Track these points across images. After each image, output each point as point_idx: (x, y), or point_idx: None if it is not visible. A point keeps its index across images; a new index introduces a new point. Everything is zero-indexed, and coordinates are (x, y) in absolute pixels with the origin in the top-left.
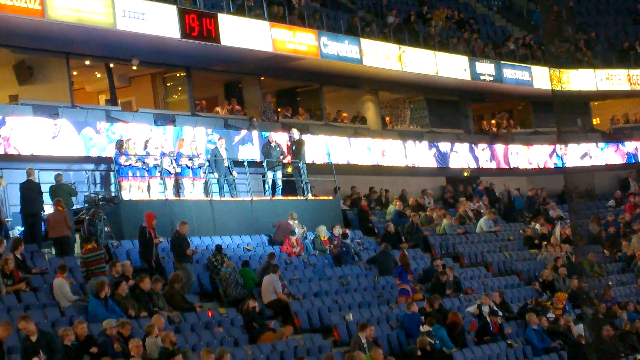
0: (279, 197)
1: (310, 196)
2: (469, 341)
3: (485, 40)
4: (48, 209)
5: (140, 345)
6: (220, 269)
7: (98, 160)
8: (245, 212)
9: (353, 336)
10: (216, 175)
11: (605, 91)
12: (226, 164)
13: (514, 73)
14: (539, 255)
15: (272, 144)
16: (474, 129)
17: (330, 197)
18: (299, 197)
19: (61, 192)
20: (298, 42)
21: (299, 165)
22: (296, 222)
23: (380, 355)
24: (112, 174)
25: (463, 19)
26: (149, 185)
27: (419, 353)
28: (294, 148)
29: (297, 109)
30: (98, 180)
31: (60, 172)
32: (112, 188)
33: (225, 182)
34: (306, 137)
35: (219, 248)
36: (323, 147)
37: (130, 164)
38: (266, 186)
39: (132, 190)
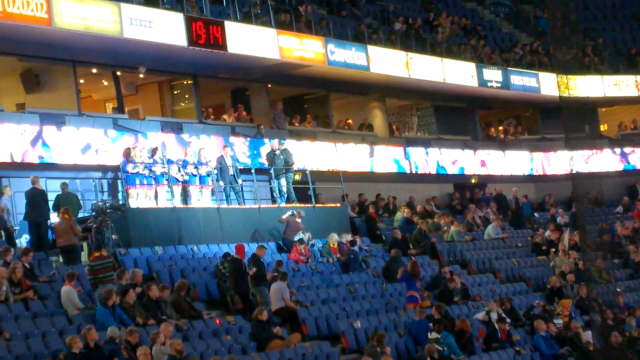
0: (286, 204)
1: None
2: (477, 348)
3: (493, 46)
4: (53, 217)
5: (148, 353)
6: (227, 277)
7: (105, 168)
8: (252, 219)
9: (361, 343)
10: (221, 183)
11: (613, 97)
12: (231, 172)
13: (521, 79)
14: (551, 262)
15: (276, 152)
16: (482, 135)
17: (338, 205)
18: (306, 205)
19: (70, 201)
20: (305, 49)
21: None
22: (301, 220)
23: None
24: (119, 182)
25: (470, 26)
26: (156, 193)
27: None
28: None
29: (305, 116)
30: (105, 188)
31: (65, 181)
32: (120, 196)
33: (232, 190)
34: (314, 144)
35: (226, 255)
36: (330, 154)
37: (137, 172)
38: (275, 194)
39: (140, 198)
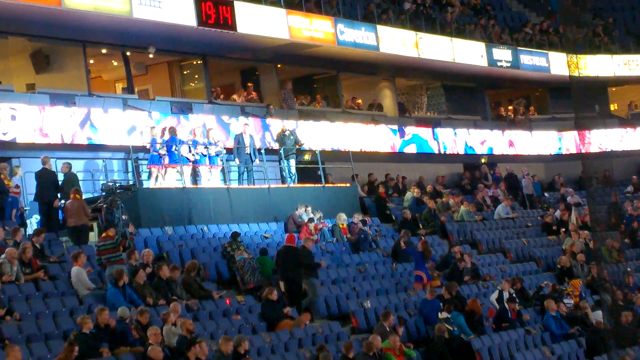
0: (296, 184)
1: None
2: (487, 328)
3: (502, 26)
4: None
5: (159, 333)
6: (235, 257)
7: (113, 148)
8: (262, 199)
9: (371, 323)
10: (237, 161)
11: (623, 77)
12: (248, 151)
13: (531, 59)
14: (565, 241)
15: (286, 132)
16: (491, 115)
17: (348, 185)
18: (316, 185)
19: (73, 182)
20: (314, 29)
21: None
22: (309, 209)
23: (396, 343)
24: (129, 162)
25: (480, 5)
26: (165, 173)
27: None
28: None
29: (315, 96)
30: (116, 168)
31: (68, 162)
32: (130, 176)
33: (246, 169)
34: (323, 124)
35: (234, 235)
36: (340, 134)
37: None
38: (284, 174)
39: (160, 178)
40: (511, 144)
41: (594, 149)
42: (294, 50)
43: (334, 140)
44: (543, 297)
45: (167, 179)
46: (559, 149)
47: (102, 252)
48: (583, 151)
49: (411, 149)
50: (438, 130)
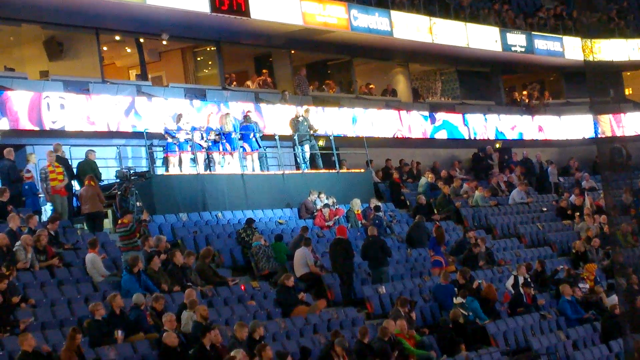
0: (310, 170)
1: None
2: (502, 313)
3: (516, 11)
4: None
5: (174, 319)
6: (251, 243)
7: (129, 135)
8: (277, 185)
9: (386, 309)
10: (247, 146)
11: (638, 61)
12: (252, 136)
13: (545, 44)
14: (578, 225)
15: (299, 118)
16: (506, 100)
17: (362, 170)
18: (330, 170)
19: (90, 168)
20: (328, 15)
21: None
22: (323, 195)
23: (404, 327)
24: (143, 148)
25: None
26: (180, 160)
27: (451, 325)
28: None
29: (329, 82)
30: (130, 155)
31: (92, 149)
32: (144, 163)
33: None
34: (337, 110)
35: (249, 222)
36: (354, 120)
37: (187, 139)
38: (298, 160)
39: (183, 164)
40: (540, 129)
41: (629, 132)
42: (308, 36)
43: (347, 125)
44: (558, 281)
45: (184, 166)
46: (595, 132)
47: (120, 239)
48: (618, 134)
49: (442, 134)
50: (468, 116)
